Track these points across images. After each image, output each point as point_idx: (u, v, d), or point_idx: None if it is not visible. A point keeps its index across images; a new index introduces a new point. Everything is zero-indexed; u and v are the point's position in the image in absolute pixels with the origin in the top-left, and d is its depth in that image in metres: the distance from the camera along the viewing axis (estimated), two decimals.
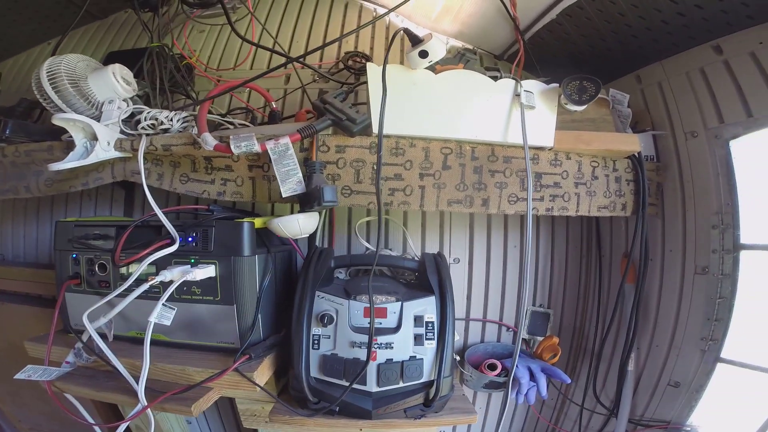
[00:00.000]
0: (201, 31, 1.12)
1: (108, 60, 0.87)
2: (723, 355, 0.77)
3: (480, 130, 0.76)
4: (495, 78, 0.77)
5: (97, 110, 0.76)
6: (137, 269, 0.58)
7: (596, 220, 1.02)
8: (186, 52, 1.03)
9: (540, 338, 0.97)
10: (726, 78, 0.76)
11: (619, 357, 0.88)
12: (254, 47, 1.03)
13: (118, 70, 0.78)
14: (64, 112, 0.73)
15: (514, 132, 0.76)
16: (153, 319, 0.55)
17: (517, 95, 0.76)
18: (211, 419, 1.08)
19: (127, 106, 0.77)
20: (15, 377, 0.63)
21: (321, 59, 1.06)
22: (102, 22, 1.20)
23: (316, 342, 0.67)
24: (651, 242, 0.88)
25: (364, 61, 1.01)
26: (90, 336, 0.60)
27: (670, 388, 0.84)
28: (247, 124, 0.84)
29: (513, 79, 0.77)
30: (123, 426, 0.64)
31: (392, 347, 0.67)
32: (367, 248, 0.92)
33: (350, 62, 1.01)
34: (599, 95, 0.81)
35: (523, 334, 1.01)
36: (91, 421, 0.68)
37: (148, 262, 0.58)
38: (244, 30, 1.08)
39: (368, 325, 0.67)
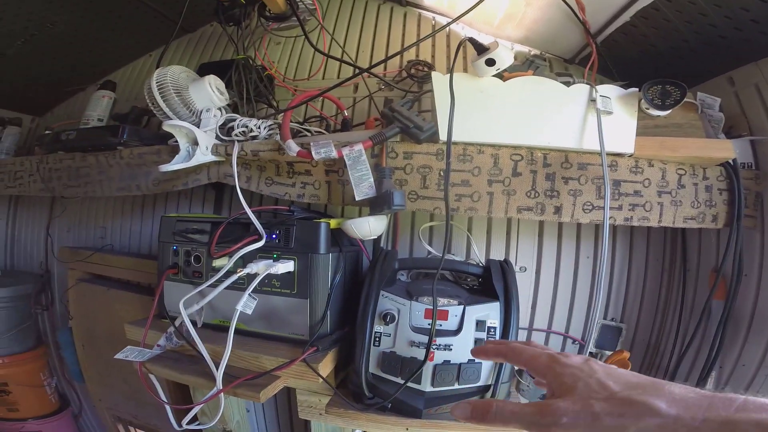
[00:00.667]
0: (277, 43, 1.22)
1: (201, 71, 0.97)
2: None
3: (553, 136, 0.74)
4: (567, 83, 0.75)
5: (196, 117, 0.86)
6: (229, 261, 0.65)
7: (682, 231, 0.94)
8: (266, 63, 1.12)
9: (608, 353, 0.92)
10: None
11: (697, 376, 0.81)
12: (326, 58, 1.09)
13: (214, 81, 0.87)
14: (171, 118, 0.84)
15: (590, 138, 0.73)
16: (239, 307, 0.61)
17: (593, 100, 0.73)
18: (267, 410, 1.14)
19: (221, 114, 0.86)
20: (115, 357, 0.70)
21: (385, 68, 1.10)
22: (192, 36, 1.34)
23: (377, 339, 0.69)
24: (747, 256, 0.79)
25: (426, 69, 1.04)
26: (182, 321, 0.68)
27: None
28: (322, 131, 0.90)
29: (587, 84, 0.74)
30: (196, 408, 0.71)
31: (451, 349, 0.68)
32: (429, 252, 0.94)
33: (413, 71, 1.04)
34: (686, 99, 0.75)
35: (591, 347, 0.96)
36: (165, 400, 0.75)
37: (239, 255, 0.65)
38: (315, 41, 1.16)
39: (428, 326, 0.68)
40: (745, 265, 0.79)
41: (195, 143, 0.82)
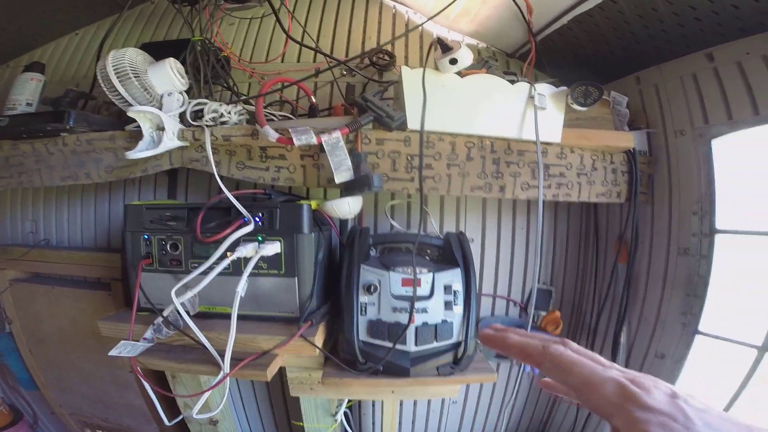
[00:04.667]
0: (230, 24, 1.18)
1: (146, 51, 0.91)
2: (700, 328, 0.88)
3: (498, 127, 0.86)
4: (512, 81, 0.87)
5: (156, 102, 0.83)
6: (220, 247, 0.66)
7: (594, 206, 1.14)
8: (221, 44, 1.09)
9: (543, 313, 1.10)
10: (714, 83, 0.85)
11: (612, 331, 1.00)
12: (288, 41, 1.09)
13: (174, 63, 0.84)
14: (130, 104, 0.80)
15: (528, 129, 0.87)
16: (240, 290, 0.64)
17: (531, 97, 0.86)
18: (244, 392, 1.14)
19: (184, 98, 0.84)
20: (109, 354, 0.66)
21: (347, 55, 1.14)
22: (129, 13, 1.22)
23: (363, 309, 0.77)
24: (641, 226, 1.00)
25: (388, 58, 1.10)
26: (172, 310, 0.68)
27: (656, 359, 0.94)
28: (289, 116, 0.92)
29: (528, 82, 0.87)
30: (206, 394, 0.72)
31: (427, 311, 0.77)
32: (392, 226, 1.04)
33: (375, 58, 1.10)
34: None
35: (530, 310, 1.14)
36: (173, 393, 0.74)
37: (231, 240, 0.67)
38: (273, 24, 1.15)
39: (406, 293, 0.77)
40: (641, 233, 1.00)
41: (159, 129, 0.80)
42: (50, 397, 1.11)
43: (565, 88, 0.89)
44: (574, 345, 0.29)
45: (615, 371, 0.26)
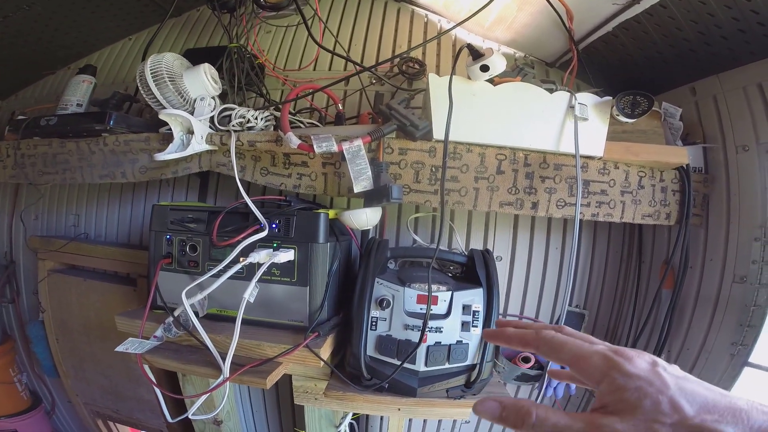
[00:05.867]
0: (267, 31, 1.21)
1: (187, 57, 0.95)
2: (751, 359, 0.79)
3: (534, 138, 0.81)
4: (551, 90, 0.82)
5: (190, 106, 0.86)
6: (234, 251, 0.67)
7: (639, 226, 1.05)
8: (257, 52, 1.12)
9: None
10: None
11: None
12: (319, 49, 1.10)
13: (208, 69, 0.87)
14: (164, 107, 0.83)
15: (566, 141, 0.81)
16: (246, 296, 0.64)
17: (571, 107, 0.80)
18: (254, 395, 1.16)
19: (215, 103, 0.86)
20: (116, 349, 0.67)
21: (377, 62, 1.12)
22: (177, 20, 1.30)
23: (374, 324, 0.74)
24: (692, 251, 0.91)
25: (418, 66, 1.07)
26: (182, 311, 0.68)
27: None
28: (317, 123, 0.92)
29: (568, 91, 0.81)
30: (203, 397, 0.73)
31: (441, 331, 0.73)
32: (415, 240, 1.00)
33: (405, 67, 1.08)
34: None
35: None
36: (167, 393, 0.73)
37: (244, 245, 0.67)
38: (306, 32, 1.16)
39: (420, 311, 0.74)
40: (691, 258, 0.91)
41: (189, 132, 0.82)
42: (68, 386, 1.16)
43: (609, 98, 0.82)
44: (569, 329, 0.32)
45: (602, 346, 0.29)
